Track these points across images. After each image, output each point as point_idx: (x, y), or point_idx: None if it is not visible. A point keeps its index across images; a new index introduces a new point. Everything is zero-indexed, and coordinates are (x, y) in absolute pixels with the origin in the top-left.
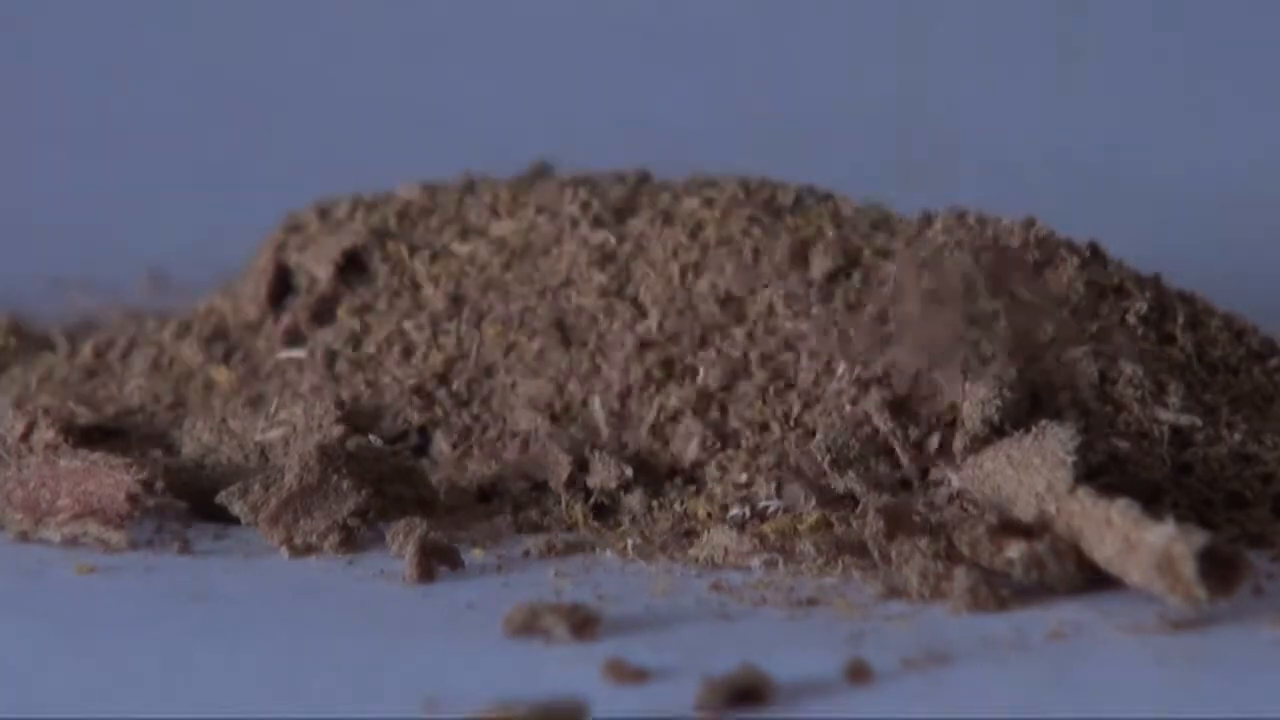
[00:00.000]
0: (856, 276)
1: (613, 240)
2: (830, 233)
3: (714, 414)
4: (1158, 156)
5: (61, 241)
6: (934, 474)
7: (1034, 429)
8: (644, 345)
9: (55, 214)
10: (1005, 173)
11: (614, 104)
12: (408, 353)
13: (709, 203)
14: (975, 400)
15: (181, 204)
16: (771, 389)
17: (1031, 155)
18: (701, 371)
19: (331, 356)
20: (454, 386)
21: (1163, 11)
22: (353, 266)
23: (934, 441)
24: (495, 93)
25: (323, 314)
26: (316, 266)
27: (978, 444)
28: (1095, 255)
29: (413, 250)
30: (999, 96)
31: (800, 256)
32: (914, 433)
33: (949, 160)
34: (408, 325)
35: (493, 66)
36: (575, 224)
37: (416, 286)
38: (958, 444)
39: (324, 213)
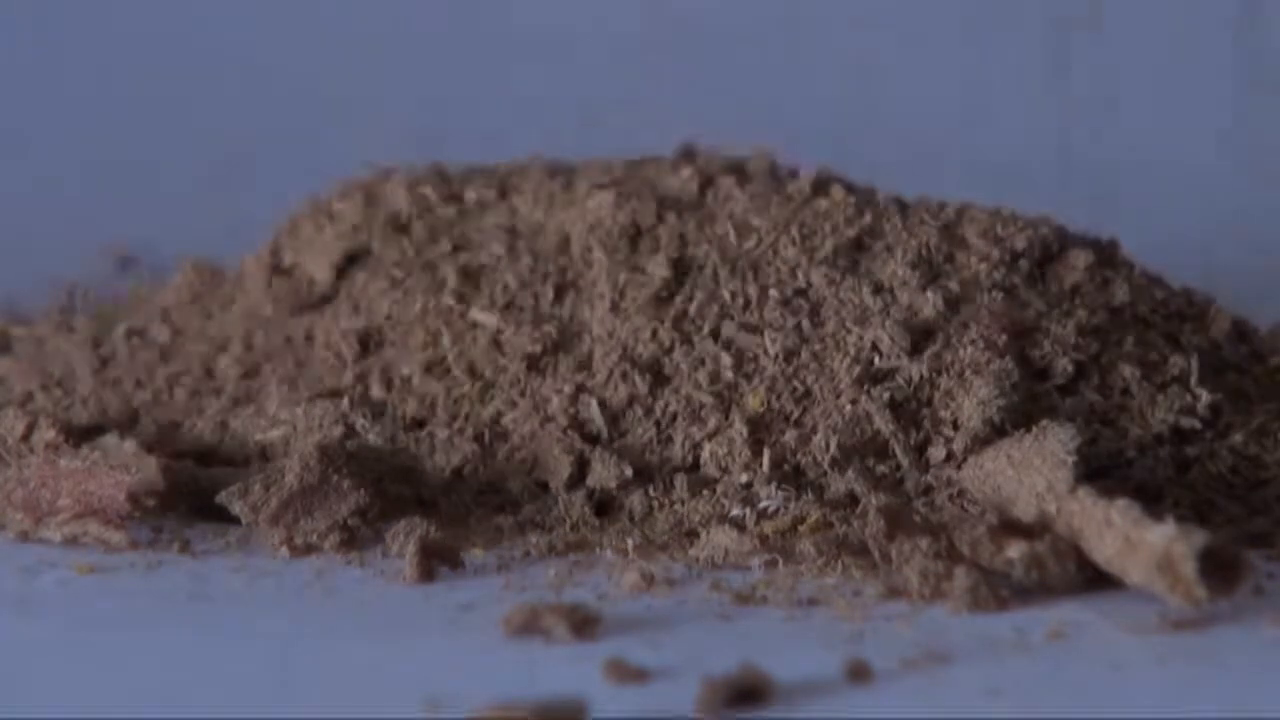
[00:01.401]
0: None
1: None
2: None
3: (717, 414)
4: (1160, 153)
5: (58, 240)
6: (935, 474)
7: (1035, 429)
8: (645, 345)
9: (53, 211)
10: (1005, 172)
11: (611, 99)
12: (408, 350)
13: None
14: (976, 400)
15: (178, 202)
16: (774, 388)
17: (1031, 153)
18: (706, 373)
19: (333, 353)
20: (455, 385)
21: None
22: (351, 263)
23: (936, 443)
24: (489, 88)
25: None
26: (316, 268)
27: (978, 444)
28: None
29: (414, 246)
30: (997, 93)
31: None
32: (915, 435)
33: (943, 159)
34: (407, 322)
35: (489, 60)
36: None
37: (413, 285)
38: (958, 444)
39: (322, 210)
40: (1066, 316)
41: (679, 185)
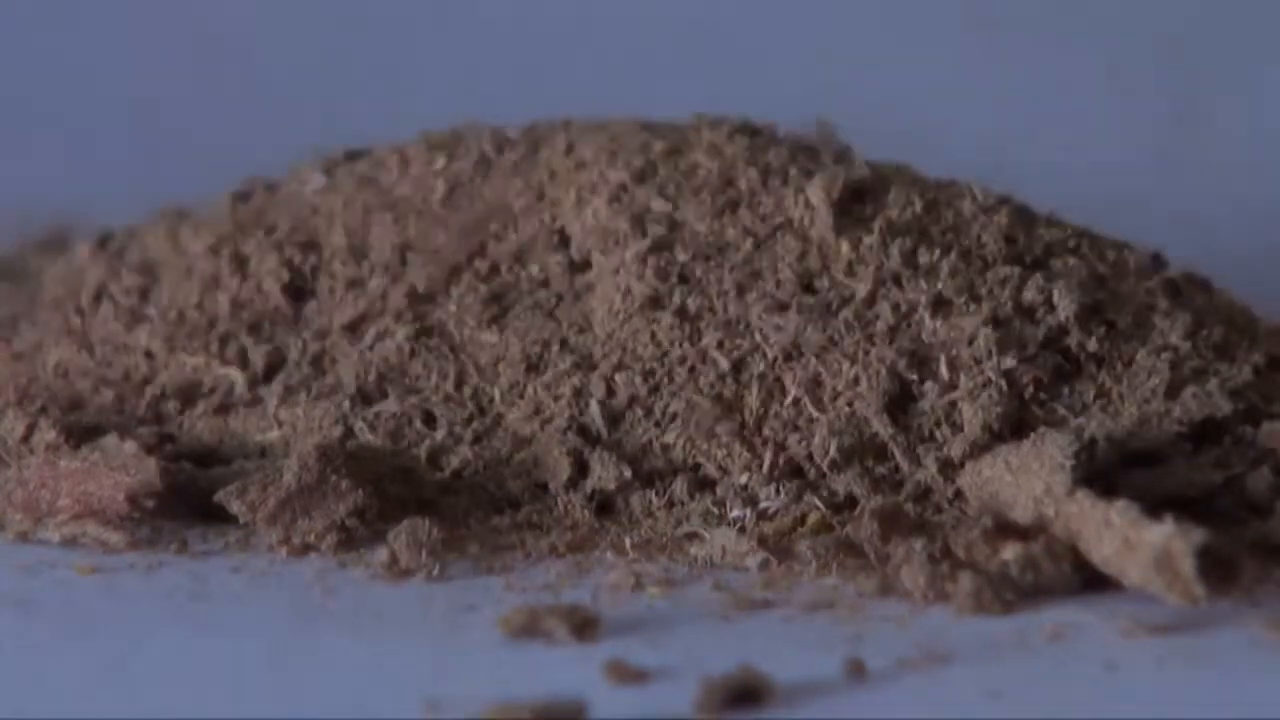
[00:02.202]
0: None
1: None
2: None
3: (719, 414)
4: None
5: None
6: (933, 477)
7: (1033, 436)
8: (645, 346)
9: (47, 205)
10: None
11: (607, 94)
12: (407, 350)
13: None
14: (975, 406)
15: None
16: (774, 390)
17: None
18: (705, 372)
19: (329, 353)
20: (452, 386)
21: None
22: (349, 262)
23: (935, 447)
24: (489, 86)
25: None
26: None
27: (976, 450)
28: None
29: (413, 244)
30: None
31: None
32: (913, 437)
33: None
34: (400, 321)
35: (489, 58)
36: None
37: (413, 283)
38: (956, 450)
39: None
40: None
41: (679, 184)
